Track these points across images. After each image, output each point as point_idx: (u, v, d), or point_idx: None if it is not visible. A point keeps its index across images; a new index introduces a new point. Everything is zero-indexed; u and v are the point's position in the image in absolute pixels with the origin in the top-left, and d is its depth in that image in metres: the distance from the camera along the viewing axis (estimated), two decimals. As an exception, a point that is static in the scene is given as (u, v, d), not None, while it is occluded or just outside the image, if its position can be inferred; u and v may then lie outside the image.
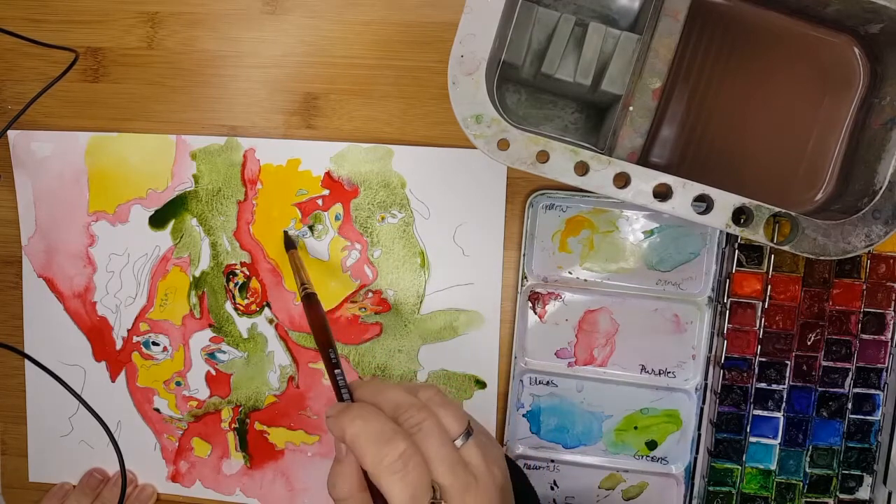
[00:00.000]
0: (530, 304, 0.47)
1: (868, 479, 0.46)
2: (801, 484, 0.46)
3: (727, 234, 0.46)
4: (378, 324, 0.49)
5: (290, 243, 0.47)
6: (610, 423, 0.48)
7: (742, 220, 0.36)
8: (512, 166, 0.36)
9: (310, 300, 0.40)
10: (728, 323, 0.45)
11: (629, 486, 0.48)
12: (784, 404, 0.45)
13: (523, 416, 0.48)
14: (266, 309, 0.49)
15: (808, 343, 0.45)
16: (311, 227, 0.48)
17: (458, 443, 0.33)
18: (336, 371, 0.36)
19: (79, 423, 0.52)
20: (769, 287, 0.45)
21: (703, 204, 0.36)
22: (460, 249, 0.48)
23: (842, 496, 0.46)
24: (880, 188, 0.36)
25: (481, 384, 0.48)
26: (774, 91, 0.42)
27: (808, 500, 0.46)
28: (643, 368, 0.47)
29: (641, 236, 0.46)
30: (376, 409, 0.33)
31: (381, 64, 0.47)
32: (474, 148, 0.35)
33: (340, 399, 0.36)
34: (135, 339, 0.51)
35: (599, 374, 0.48)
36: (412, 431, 0.32)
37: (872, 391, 0.45)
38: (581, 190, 0.39)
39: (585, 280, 0.47)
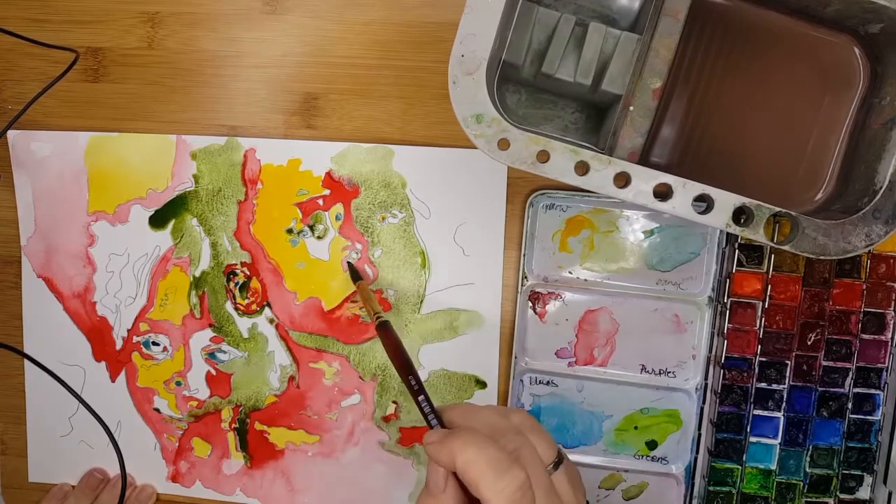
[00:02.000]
0: (530, 304, 0.47)
1: (868, 479, 0.46)
2: (802, 484, 0.46)
3: (727, 233, 0.46)
4: (378, 324, 0.49)
5: (356, 274, 0.47)
6: (610, 422, 0.48)
7: (742, 220, 0.36)
8: (512, 166, 0.36)
9: (384, 328, 0.39)
10: (728, 323, 0.45)
11: (629, 486, 0.48)
12: (784, 404, 0.45)
13: (523, 415, 0.48)
14: (266, 309, 0.49)
15: (809, 343, 0.45)
16: (311, 227, 0.48)
17: (550, 470, 0.32)
18: (420, 398, 0.35)
19: (79, 423, 0.52)
20: (769, 287, 0.45)
21: (704, 204, 0.36)
22: (461, 249, 0.48)
23: (842, 496, 0.46)
24: (880, 188, 0.36)
25: (481, 384, 0.48)
26: (774, 91, 0.42)
27: (809, 499, 0.46)
28: (643, 368, 0.47)
29: (641, 236, 0.47)
30: (486, 436, 0.32)
31: (381, 64, 0.47)
32: (475, 148, 0.35)
33: (430, 425, 0.34)
34: (135, 339, 0.51)
35: (600, 374, 0.48)
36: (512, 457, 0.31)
37: (872, 391, 0.45)
38: (581, 190, 0.39)
39: (585, 280, 0.47)
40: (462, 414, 0.34)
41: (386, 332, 0.39)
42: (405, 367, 0.36)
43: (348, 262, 0.48)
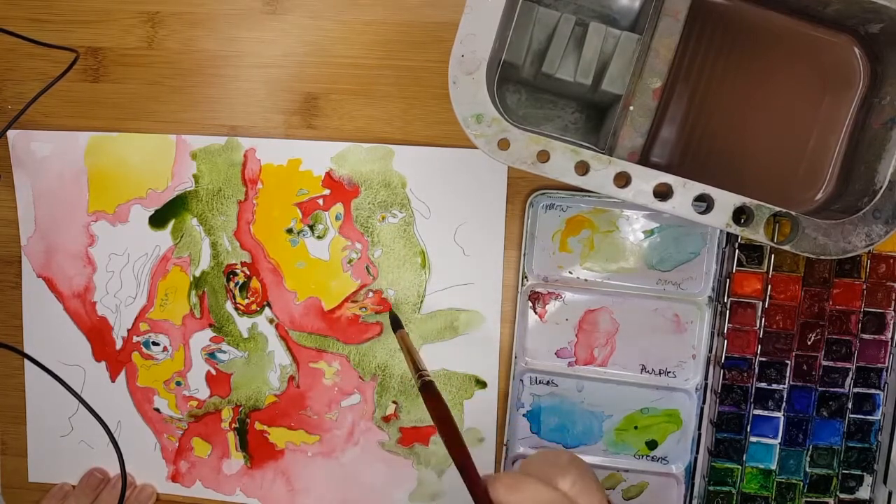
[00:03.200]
0: (530, 304, 0.47)
1: (868, 479, 0.46)
2: (802, 484, 0.46)
3: (727, 233, 0.46)
4: (378, 323, 0.49)
5: (397, 323, 0.46)
6: (610, 422, 0.48)
7: (742, 220, 0.36)
8: (512, 166, 0.36)
9: (430, 390, 0.36)
10: (728, 323, 0.45)
11: (629, 486, 0.48)
12: (784, 404, 0.45)
13: (524, 415, 0.48)
14: (266, 309, 0.49)
15: (809, 343, 0.45)
16: (311, 227, 0.48)
17: None
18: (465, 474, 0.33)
19: (79, 423, 0.52)
20: (769, 287, 0.45)
21: (704, 203, 0.36)
22: (461, 249, 0.48)
23: (842, 496, 0.46)
24: (880, 188, 0.36)
25: (482, 384, 0.48)
26: (774, 91, 0.42)
27: (809, 499, 0.46)
28: (643, 368, 0.47)
29: (641, 236, 0.47)
30: None
31: (382, 64, 0.47)
32: (475, 148, 0.35)
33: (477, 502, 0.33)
34: (135, 338, 0.51)
35: (600, 374, 0.48)
36: None
37: (872, 391, 0.45)
38: (581, 190, 0.39)
39: (586, 280, 0.47)
40: (507, 490, 0.32)
41: (431, 396, 0.36)
42: (453, 439, 0.34)
43: (390, 312, 0.47)
